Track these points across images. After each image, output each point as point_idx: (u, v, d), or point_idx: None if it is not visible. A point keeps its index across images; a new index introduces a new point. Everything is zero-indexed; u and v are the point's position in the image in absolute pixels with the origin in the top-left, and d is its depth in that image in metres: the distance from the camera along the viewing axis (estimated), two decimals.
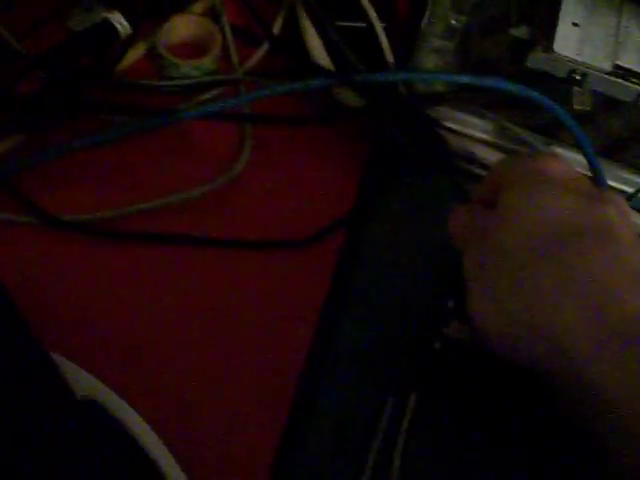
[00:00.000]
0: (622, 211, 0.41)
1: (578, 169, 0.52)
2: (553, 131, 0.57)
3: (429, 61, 0.57)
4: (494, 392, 0.43)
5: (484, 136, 0.56)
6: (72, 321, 0.46)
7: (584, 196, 0.41)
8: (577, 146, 0.51)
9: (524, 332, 0.38)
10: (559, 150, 0.56)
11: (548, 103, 0.51)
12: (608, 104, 0.59)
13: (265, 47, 0.57)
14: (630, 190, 0.57)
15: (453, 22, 0.58)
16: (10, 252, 0.48)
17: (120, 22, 0.52)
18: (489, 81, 0.52)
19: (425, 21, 0.58)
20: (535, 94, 0.51)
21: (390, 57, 0.56)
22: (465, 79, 0.53)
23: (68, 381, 0.40)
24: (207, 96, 0.56)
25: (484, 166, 0.54)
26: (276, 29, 0.58)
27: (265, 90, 0.51)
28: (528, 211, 0.40)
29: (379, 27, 0.56)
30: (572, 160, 0.54)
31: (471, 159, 0.54)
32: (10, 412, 0.38)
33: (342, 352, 0.47)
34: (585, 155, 0.50)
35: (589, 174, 0.50)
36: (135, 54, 0.56)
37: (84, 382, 0.42)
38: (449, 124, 0.56)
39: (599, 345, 0.36)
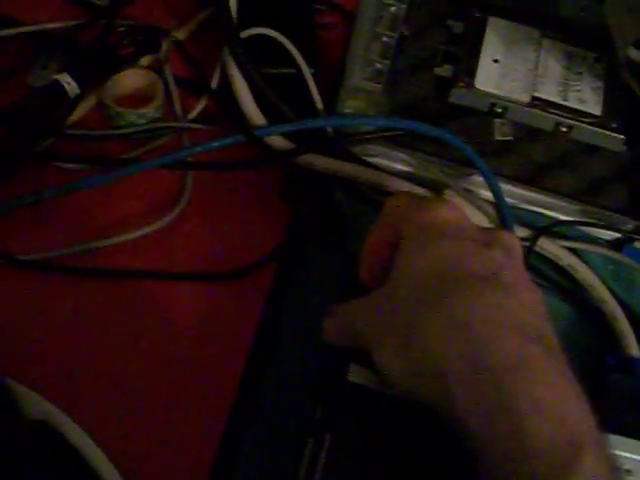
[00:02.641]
0: (510, 250, 0.43)
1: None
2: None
3: (358, 102, 0.61)
4: (401, 430, 0.45)
5: (408, 170, 0.60)
6: (26, 348, 0.52)
7: (471, 241, 0.43)
8: (486, 180, 0.56)
9: (420, 380, 0.41)
10: (479, 179, 0.60)
11: (457, 142, 0.55)
12: (529, 133, 0.63)
13: (206, 98, 0.62)
14: (551, 214, 0.61)
15: (378, 65, 0.63)
16: None
17: (68, 82, 0.58)
18: (404, 123, 0.57)
19: (350, 66, 0.62)
20: (446, 134, 0.55)
21: (319, 101, 0.61)
22: (382, 122, 0.58)
23: (20, 403, 0.44)
24: (156, 144, 0.61)
25: None
26: (215, 79, 0.62)
27: (200, 146, 0.57)
28: (417, 265, 0.42)
29: (308, 73, 0.61)
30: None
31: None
32: None
33: (269, 391, 0.51)
34: (491, 190, 0.55)
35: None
36: (86, 106, 0.61)
37: (36, 404, 0.45)
38: (375, 160, 0.60)
39: (472, 390, 0.38)
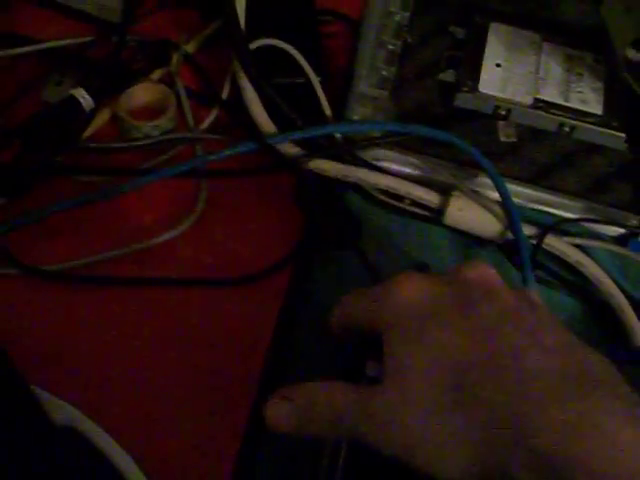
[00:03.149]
0: (496, 301, 0.41)
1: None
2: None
3: (365, 108, 0.63)
4: None
5: (416, 173, 0.62)
6: (51, 357, 0.53)
7: (455, 310, 0.41)
8: (494, 181, 0.57)
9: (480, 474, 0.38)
10: (486, 180, 0.61)
11: (464, 145, 0.57)
12: (533, 135, 0.65)
13: (217, 108, 0.64)
14: (557, 212, 0.63)
15: (384, 73, 0.64)
16: None
17: (83, 97, 0.59)
18: (411, 128, 0.58)
19: (357, 73, 0.64)
20: (452, 137, 0.57)
21: (327, 108, 0.62)
22: (389, 127, 0.59)
23: (48, 411, 0.45)
24: (170, 154, 0.62)
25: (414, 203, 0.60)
26: (225, 90, 0.64)
27: (214, 155, 0.59)
28: (423, 360, 0.40)
29: (316, 82, 0.63)
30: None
31: (401, 197, 0.60)
32: None
33: None
34: (498, 191, 0.56)
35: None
36: (101, 120, 0.62)
37: (63, 411, 0.47)
38: (383, 164, 0.62)
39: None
